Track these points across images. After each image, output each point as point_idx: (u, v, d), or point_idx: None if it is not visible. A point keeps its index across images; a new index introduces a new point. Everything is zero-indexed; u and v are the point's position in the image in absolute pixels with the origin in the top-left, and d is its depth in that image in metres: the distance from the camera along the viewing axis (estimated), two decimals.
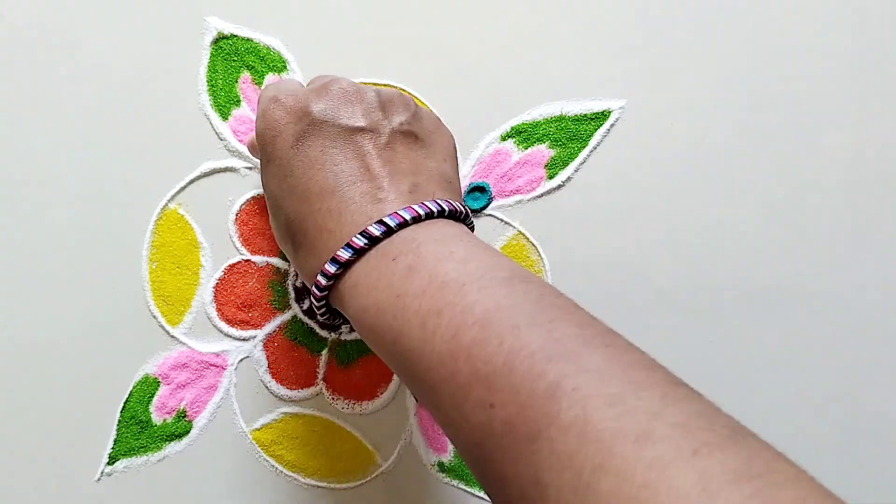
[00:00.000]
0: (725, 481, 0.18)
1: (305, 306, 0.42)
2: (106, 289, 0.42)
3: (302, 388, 0.42)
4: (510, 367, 0.23)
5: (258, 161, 0.38)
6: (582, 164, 0.43)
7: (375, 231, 0.29)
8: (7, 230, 0.42)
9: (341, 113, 0.32)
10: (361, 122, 0.31)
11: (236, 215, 0.42)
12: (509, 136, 0.43)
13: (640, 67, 0.43)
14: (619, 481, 0.18)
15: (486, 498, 0.42)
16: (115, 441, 0.41)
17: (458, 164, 0.35)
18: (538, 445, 0.21)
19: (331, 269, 0.30)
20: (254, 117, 0.42)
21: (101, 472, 0.41)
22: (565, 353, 0.22)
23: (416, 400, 0.38)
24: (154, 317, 0.42)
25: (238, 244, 0.42)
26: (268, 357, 0.42)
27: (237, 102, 0.42)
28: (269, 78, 0.42)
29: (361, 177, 0.31)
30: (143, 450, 0.42)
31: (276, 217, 0.34)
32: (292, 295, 0.42)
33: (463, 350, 0.24)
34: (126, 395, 0.42)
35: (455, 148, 0.35)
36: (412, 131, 0.33)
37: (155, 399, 0.42)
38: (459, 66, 0.43)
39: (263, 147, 0.33)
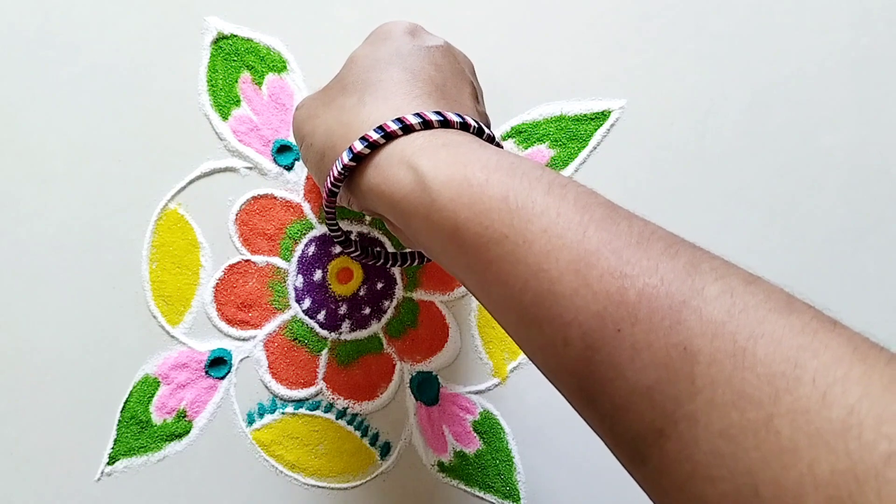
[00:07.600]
0: (870, 346, 0.20)
1: (305, 306, 0.42)
2: (106, 289, 0.42)
3: (302, 388, 0.42)
4: (644, 244, 0.23)
5: (259, 159, 0.38)
6: (582, 164, 0.43)
7: (454, 117, 0.29)
8: (7, 230, 0.42)
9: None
10: None
11: (236, 215, 0.42)
12: (509, 136, 0.43)
13: (640, 67, 0.43)
14: (774, 344, 0.20)
15: (486, 498, 0.42)
16: (115, 441, 0.41)
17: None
18: (684, 315, 0.21)
19: (412, 119, 0.29)
20: (253, 117, 0.42)
21: (101, 472, 0.41)
22: (692, 243, 0.24)
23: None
24: (154, 317, 0.42)
25: (238, 244, 0.42)
26: (268, 357, 0.42)
27: (237, 102, 0.42)
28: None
29: None
30: (143, 450, 0.42)
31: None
32: (292, 295, 0.42)
33: (593, 221, 0.24)
34: (126, 395, 0.42)
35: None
36: None
37: (155, 399, 0.42)
38: None
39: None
